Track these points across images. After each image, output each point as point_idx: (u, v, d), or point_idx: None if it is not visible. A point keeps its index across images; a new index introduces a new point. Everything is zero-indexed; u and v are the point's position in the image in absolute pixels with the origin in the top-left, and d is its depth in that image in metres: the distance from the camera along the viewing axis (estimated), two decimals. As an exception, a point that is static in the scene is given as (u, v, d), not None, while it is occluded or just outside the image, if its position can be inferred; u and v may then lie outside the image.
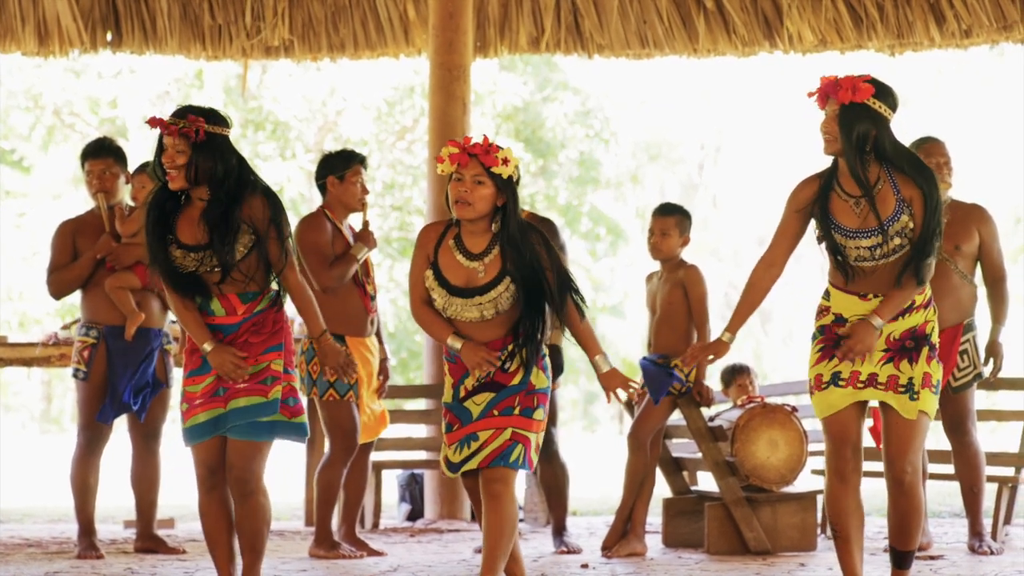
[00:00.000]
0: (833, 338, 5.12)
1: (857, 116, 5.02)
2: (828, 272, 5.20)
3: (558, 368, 7.04)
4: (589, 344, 5.18)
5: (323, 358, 5.37)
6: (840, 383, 5.08)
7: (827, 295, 5.18)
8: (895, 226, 5.02)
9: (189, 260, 5.17)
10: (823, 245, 5.13)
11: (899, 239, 5.03)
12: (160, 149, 5.20)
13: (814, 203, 5.12)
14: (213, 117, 5.21)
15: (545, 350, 5.16)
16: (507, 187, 5.08)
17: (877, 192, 5.06)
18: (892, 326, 5.07)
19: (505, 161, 5.06)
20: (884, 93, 5.07)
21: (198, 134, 5.13)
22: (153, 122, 5.21)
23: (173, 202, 5.24)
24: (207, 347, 5.16)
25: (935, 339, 5.12)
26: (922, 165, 5.09)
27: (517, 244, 5.07)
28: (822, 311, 5.17)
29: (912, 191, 5.04)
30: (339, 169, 7.09)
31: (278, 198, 5.27)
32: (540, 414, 5.13)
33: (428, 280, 5.13)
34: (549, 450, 7.27)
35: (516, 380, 5.11)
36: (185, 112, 5.21)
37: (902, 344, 5.08)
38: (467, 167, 5.07)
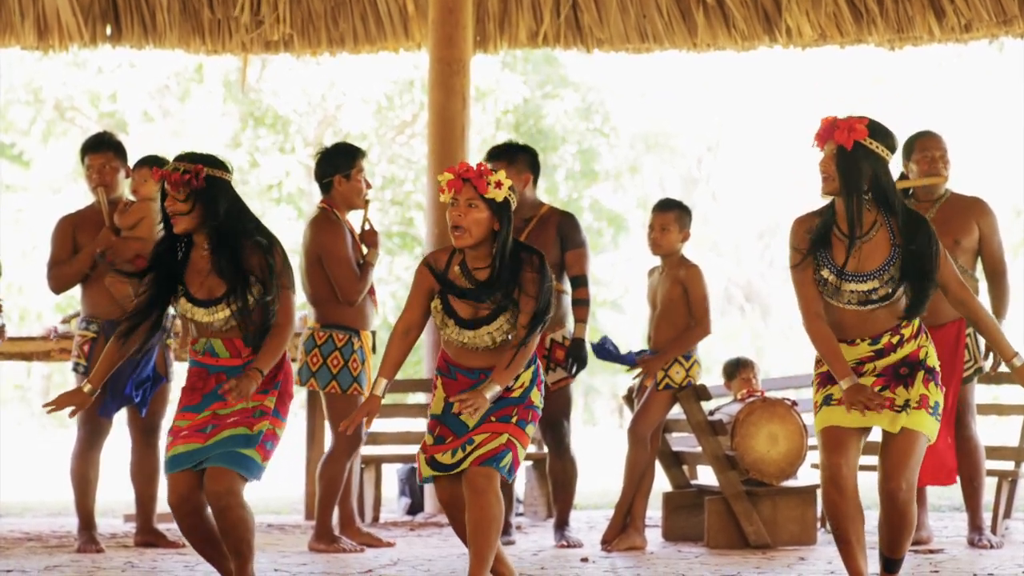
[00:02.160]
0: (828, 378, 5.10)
1: (855, 156, 4.96)
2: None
3: (581, 361, 7.07)
4: (501, 372, 5.11)
5: (240, 380, 5.08)
6: (832, 402, 5.05)
7: None
8: (889, 272, 4.98)
9: (199, 313, 5.18)
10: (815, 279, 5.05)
11: (892, 285, 4.98)
12: (164, 195, 5.23)
13: (811, 239, 5.04)
14: (212, 162, 5.24)
15: (543, 375, 5.22)
16: (501, 211, 5.11)
17: (872, 236, 5.01)
18: (883, 362, 5.04)
19: (497, 184, 5.09)
20: (882, 134, 5.01)
21: (197, 178, 5.15)
22: (156, 174, 5.23)
23: (172, 254, 5.26)
24: (86, 388, 5.26)
25: (932, 362, 5.06)
26: (918, 216, 5.03)
27: (505, 269, 5.10)
28: (820, 359, 5.13)
29: (908, 239, 4.97)
30: (345, 167, 7.06)
31: (280, 244, 5.27)
32: (531, 430, 5.22)
33: (437, 315, 5.16)
34: (561, 444, 7.28)
35: (516, 394, 5.18)
36: (186, 158, 5.23)
37: (895, 371, 5.04)
38: (461, 192, 5.11)
